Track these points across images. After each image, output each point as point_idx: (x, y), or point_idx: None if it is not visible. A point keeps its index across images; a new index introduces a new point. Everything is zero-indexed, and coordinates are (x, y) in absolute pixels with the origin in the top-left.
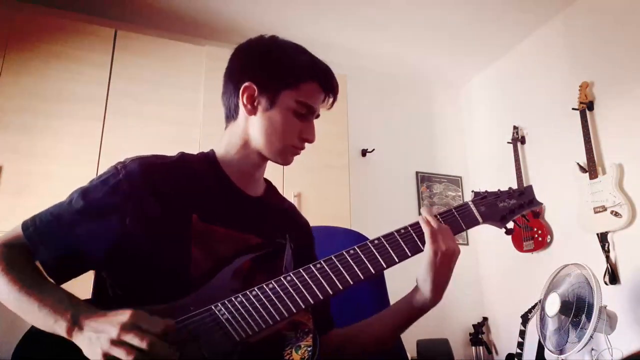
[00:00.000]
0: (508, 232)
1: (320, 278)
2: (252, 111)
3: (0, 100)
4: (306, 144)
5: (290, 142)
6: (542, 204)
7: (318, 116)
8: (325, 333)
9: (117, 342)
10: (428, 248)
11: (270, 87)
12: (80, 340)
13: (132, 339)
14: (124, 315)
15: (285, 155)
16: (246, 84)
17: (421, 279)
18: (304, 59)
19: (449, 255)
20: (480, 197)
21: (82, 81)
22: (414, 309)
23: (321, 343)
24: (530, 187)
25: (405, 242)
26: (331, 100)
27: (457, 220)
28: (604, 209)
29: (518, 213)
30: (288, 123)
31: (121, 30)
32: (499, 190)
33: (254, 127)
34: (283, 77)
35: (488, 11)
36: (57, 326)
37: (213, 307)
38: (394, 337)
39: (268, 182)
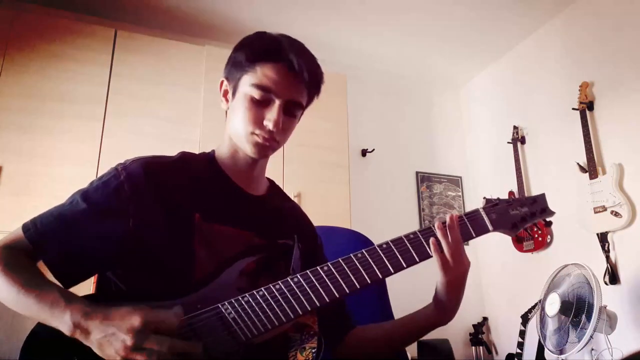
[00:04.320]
0: (518, 240)
1: (327, 280)
2: (227, 105)
3: (1, 100)
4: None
5: (250, 130)
6: (554, 212)
7: (297, 104)
8: (345, 334)
9: (135, 349)
10: (452, 271)
11: (233, 77)
12: (90, 344)
13: (152, 345)
14: (134, 319)
15: (250, 145)
16: (222, 79)
17: (443, 296)
18: (264, 42)
19: (467, 273)
20: (492, 205)
21: (82, 81)
22: (430, 324)
23: (340, 341)
24: (543, 196)
25: (414, 248)
26: (307, 78)
27: (467, 227)
28: (604, 209)
29: (530, 221)
30: (246, 109)
31: (121, 30)
32: (511, 197)
33: (227, 121)
34: (241, 63)
35: (488, 11)
36: (59, 327)
37: (220, 306)
38: (406, 346)
39: (271, 182)
